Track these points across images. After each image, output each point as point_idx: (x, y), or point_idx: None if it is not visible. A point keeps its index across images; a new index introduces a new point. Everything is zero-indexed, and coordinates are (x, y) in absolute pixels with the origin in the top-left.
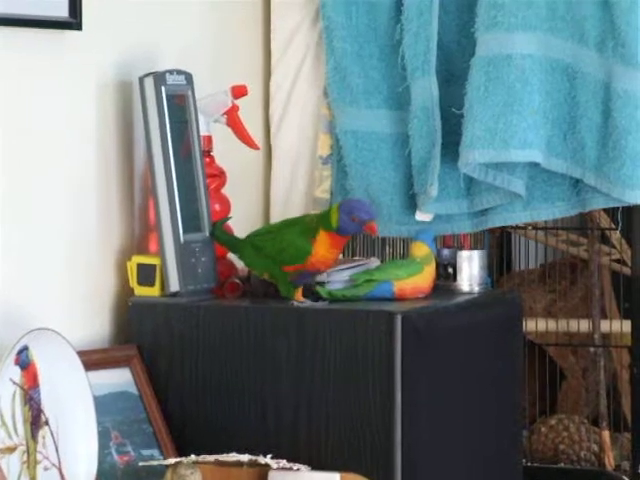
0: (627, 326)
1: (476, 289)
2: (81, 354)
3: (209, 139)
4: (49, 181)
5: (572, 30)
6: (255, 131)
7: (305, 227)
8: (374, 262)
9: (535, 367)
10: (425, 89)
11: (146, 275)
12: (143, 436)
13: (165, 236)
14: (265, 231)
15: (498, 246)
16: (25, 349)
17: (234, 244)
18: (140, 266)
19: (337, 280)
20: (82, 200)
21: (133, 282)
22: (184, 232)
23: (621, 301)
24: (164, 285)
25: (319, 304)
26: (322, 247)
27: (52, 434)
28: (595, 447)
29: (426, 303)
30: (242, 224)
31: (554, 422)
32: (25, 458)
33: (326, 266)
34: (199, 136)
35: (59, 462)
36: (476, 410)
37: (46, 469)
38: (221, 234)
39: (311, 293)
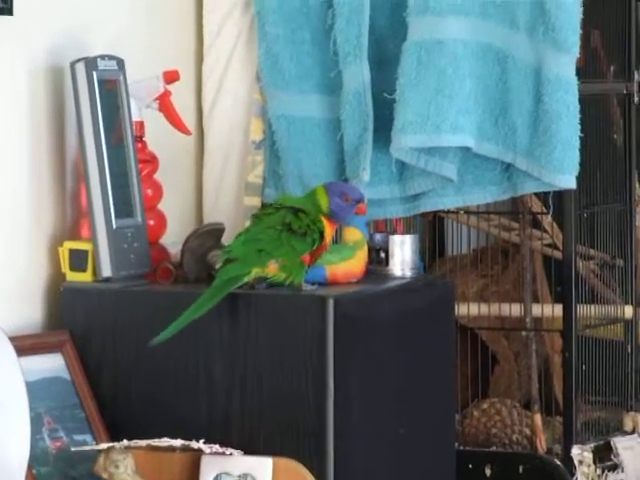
0: (559, 310)
1: (408, 274)
2: (13, 339)
3: (141, 124)
4: None
5: (503, 15)
6: (187, 116)
7: (310, 211)
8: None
9: (467, 351)
10: (357, 74)
11: (78, 261)
12: (75, 421)
13: (97, 222)
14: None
15: (431, 231)
16: None
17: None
18: (72, 252)
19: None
20: (14, 186)
21: (65, 267)
22: (116, 218)
23: (553, 285)
24: (96, 271)
25: (314, 287)
26: (326, 232)
27: None
28: (527, 431)
29: (358, 288)
30: (174, 210)
31: (486, 406)
32: None
33: (325, 251)
34: (131, 122)
35: None
36: (409, 394)
37: None
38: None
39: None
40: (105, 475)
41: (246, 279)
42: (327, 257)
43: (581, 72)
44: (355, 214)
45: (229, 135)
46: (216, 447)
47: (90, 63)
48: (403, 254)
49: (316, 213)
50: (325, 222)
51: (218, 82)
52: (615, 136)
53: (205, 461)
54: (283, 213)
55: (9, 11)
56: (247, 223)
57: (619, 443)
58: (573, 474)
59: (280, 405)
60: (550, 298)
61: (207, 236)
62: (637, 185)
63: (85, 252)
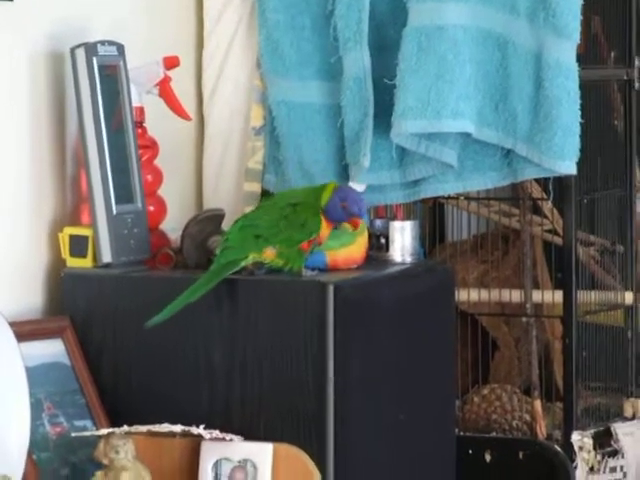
0: (559, 296)
1: (408, 260)
2: (13, 325)
3: (141, 110)
4: None
5: (504, 1)
6: (187, 102)
7: (311, 204)
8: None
9: (468, 337)
10: (357, 60)
11: (78, 246)
12: (76, 407)
13: (97, 207)
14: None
15: (431, 217)
16: None
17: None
18: (72, 237)
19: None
20: (14, 171)
21: (65, 253)
22: (116, 203)
23: (553, 271)
24: (96, 256)
25: (314, 273)
26: (322, 226)
27: None
28: (527, 417)
29: (358, 274)
30: (174, 196)
31: (487, 392)
32: None
33: (319, 244)
34: (131, 107)
35: None
36: (409, 380)
37: None
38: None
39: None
40: (105, 460)
41: (243, 263)
42: (327, 243)
43: (582, 58)
44: (346, 223)
45: (229, 121)
46: (216, 433)
47: (90, 49)
48: (403, 240)
49: (315, 207)
50: (322, 218)
51: (218, 68)
52: (616, 122)
53: (205, 447)
54: (282, 204)
55: None
56: (247, 209)
57: (619, 429)
58: (573, 460)
59: (280, 391)
60: (550, 284)
61: (207, 222)
62: (637, 171)
63: (85, 238)
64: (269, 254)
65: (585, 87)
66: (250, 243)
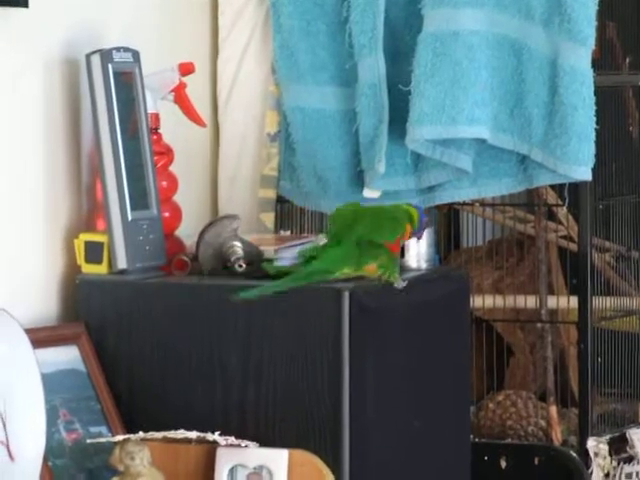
0: (574, 302)
1: (424, 266)
2: (29, 332)
3: (156, 116)
4: None
5: (519, 6)
6: (203, 108)
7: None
8: (322, 239)
9: (483, 343)
10: (372, 66)
11: (94, 253)
12: (91, 413)
13: (112, 214)
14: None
15: (446, 223)
16: None
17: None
18: (88, 244)
19: (286, 257)
20: (29, 178)
21: (81, 260)
22: (132, 210)
23: (568, 277)
24: (112, 262)
25: (405, 283)
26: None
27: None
28: (542, 423)
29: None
30: (189, 202)
31: (502, 398)
32: None
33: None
34: (146, 113)
35: (7, 440)
36: (424, 387)
37: None
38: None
39: (258, 270)
40: (121, 467)
41: (335, 276)
42: None
43: (596, 64)
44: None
45: (244, 127)
46: (231, 439)
47: (105, 55)
48: (418, 246)
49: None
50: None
51: (233, 74)
52: (631, 128)
53: (220, 453)
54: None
55: (25, 3)
56: (263, 215)
57: (635, 435)
58: (589, 466)
59: (295, 397)
60: (565, 290)
61: (222, 228)
62: None
63: (100, 244)
64: (371, 269)
65: (600, 93)
66: (351, 260)
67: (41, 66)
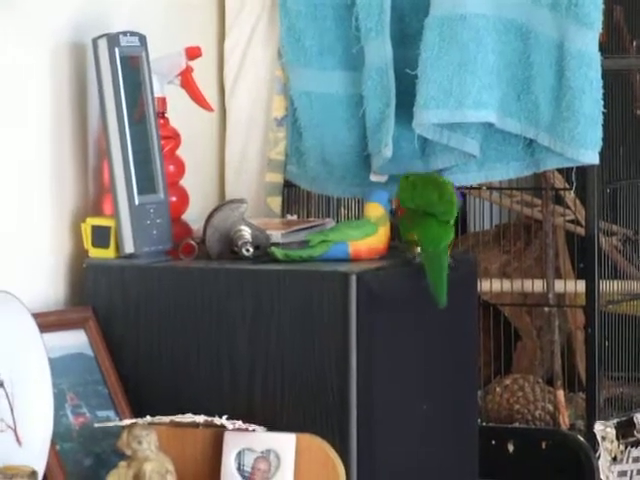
0: (581, 286)
1: None
2: (36, 316)
3: (163, 101)
4: (2, 143)
5: None
6: (210, 93)
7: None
8: (329, 223)
9: (490, 327)
10: (379, 50)
11: (101, 237)
12: (99, 397)
13: (119, 198)
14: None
15: None
16: None
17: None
18: (95, 228)
19: (293, 241)
20: (36, 162)
21: (88, 244)
22: (139, 194)
23: (575, 261)
24: (119, 247)
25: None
26: None
27: (7, 396)
28: (550, 407)
29: (381, 264)
30: (196, 187)
31: (509, 382)
32: None
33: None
34: (153, 98)
35: (14, 424)
36: (431, 371)
37: (1, 431)
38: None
39: (265, 255)
40: (128, 451)
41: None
42: (350, 233)
43: (604, 47)
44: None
45: (251, 112)
46: (239, 423)
47: (112, 39)
48: None
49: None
50: None
51: (240, 59)
52: (638, 111)
53: (228, 437)
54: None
55: None
56: (270, 199)
57: None
58: (596, 450)
59: (303, 381)
60: (573, 274)
61: (229, 212)
62: None
63: (108, 228)
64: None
65: (607, 76)
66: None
67: (48, 50)
